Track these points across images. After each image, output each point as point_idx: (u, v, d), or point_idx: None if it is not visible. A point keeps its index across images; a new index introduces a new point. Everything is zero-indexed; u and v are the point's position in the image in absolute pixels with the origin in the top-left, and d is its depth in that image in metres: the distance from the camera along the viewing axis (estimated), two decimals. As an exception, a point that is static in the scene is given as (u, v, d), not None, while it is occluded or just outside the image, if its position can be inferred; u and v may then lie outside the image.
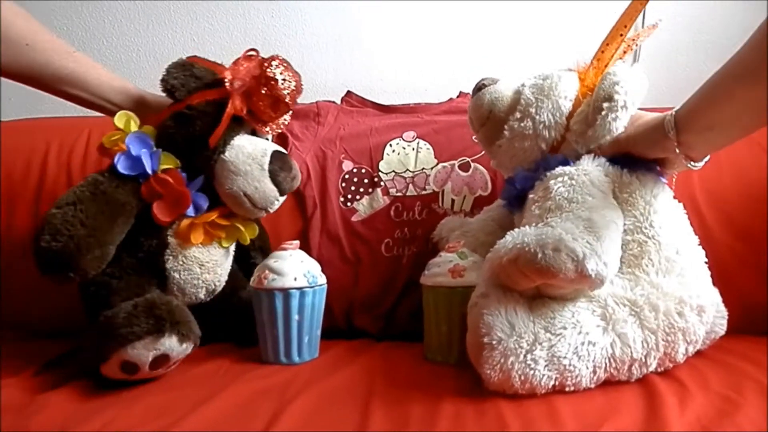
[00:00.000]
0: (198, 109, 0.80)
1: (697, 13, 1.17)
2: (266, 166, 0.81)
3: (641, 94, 0.75)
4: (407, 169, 1.01)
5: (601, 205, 0.68)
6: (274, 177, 0.82)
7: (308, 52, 1.25)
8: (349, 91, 1.14)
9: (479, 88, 0.86)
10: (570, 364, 0.63)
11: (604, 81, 0.74)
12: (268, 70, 0.79)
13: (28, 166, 1.04)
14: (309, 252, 0.89)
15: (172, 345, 0.70)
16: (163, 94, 0.82)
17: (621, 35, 0.80)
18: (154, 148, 0.79)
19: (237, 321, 0.87)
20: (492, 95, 0.84)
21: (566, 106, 0.78)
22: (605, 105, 0.72)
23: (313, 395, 0.66)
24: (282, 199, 0.85)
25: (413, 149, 1.02)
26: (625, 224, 0.71)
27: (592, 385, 0.66)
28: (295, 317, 0.79)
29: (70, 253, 0.69)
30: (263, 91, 0.79)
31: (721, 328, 0.74)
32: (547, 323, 0.64)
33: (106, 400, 0.67)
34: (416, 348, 0.84)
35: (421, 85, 1.23)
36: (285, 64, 0.80)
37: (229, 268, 0.89)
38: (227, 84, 0.79)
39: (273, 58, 0.80)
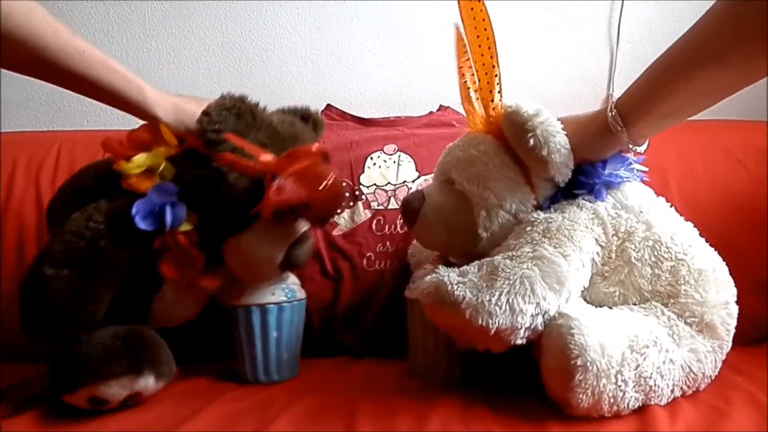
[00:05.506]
0: (233, 178, 0.70)
1: (674, 30, 1.18)
2: (279, 260, 0.75)
3: (540, 108, 0.67)
4: (388, 182, 1.00)
5: (534, 257, 0.62)
6: (281, 269, 0.77)
7: (287, 66, 1.23)
8: (329, 105, 1.13)
9: (411, 213, 0.74)
10: (655, 384, 0.61)
11: (520, 135, 0.66)
12: (320, 187, 0.70)
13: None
14: (289, 267, 0.87)
15: (148, 384, 0.67)
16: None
17: (493, 65, 0.71)
18: (176, 199, 0.70)
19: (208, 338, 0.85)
20: (435, 210, 0.73)
21: (516, 176, 0.69)
22: (543, 154, 0.65)
23: (295, 414, 0.64)
24: None
25: (394, 162, 1.01)
26: (644, 258, 0.67)
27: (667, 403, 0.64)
28: (273, 334, 0.77)
29: (59, 329, 0.66)
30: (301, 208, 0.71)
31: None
32: (631, 341, 0.61)
33: (77, 421, 0.64)
34: (400, 365, 0.82)
35: (401, 99, 1.23)
36: (336, 187, 0.73)
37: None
38: (268, 180, 0.69)
39: (330, 176, 0.71)
